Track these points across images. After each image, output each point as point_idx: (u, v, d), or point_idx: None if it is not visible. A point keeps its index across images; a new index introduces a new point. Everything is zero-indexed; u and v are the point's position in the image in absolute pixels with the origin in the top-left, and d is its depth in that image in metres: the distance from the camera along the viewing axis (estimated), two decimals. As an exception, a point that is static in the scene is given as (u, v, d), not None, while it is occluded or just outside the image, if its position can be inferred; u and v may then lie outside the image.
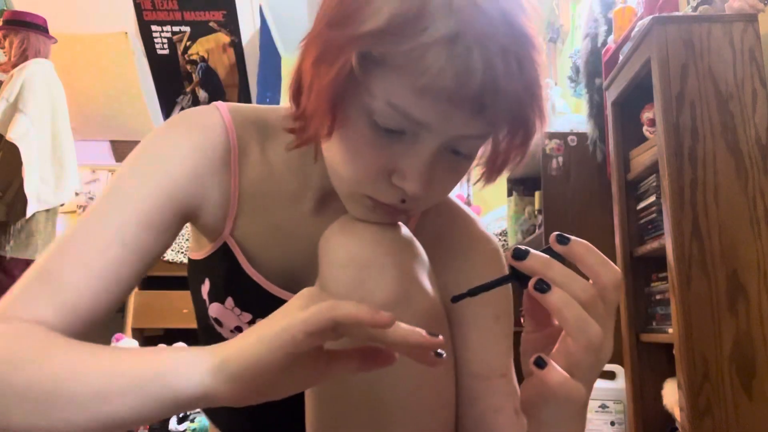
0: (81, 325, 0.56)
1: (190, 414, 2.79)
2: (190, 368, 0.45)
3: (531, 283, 0.45)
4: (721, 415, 1.31)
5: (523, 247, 0.46)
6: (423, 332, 0.44)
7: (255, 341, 0.44)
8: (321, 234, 0.66)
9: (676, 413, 1.48)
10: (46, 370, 0.48)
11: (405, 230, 0.63)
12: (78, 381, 0.47)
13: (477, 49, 0.48)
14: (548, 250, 0.47)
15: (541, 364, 0.45)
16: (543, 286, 0.44)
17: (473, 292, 0.49)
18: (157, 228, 0.61)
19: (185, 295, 3.15)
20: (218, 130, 0.66)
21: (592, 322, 0.44)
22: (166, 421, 2.79)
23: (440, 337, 0.44)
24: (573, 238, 0.47)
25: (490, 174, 0.60)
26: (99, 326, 0.59)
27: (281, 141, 0.67)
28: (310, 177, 0.67)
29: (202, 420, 2.70)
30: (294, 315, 0.44)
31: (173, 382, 0.45)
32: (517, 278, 0.48)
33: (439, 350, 0.45)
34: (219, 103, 0.69)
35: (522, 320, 0.76)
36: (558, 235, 0.47)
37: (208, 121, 0.66)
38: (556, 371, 0.45)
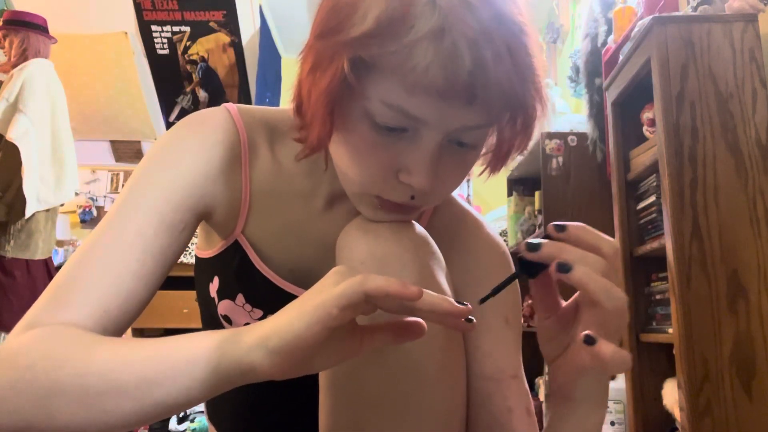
0: (113, 328, 0.57)
1: (190, 414, 2.79)
2: (233, 346, 0.47)
3: (552, 266, 0.48)
4: (721, 415, 1.31)
5: (534, 240, 0.49)
6: (452, 300, 0.47)
7: (292, 318, 0.45)
8: (331, 232, 0.67)
9: (676, 413, 1.48)
10: (91, 363, 0.49)
11: (421, 229, 0.64)
12: (125, 370, 0.48)
13: (463, 42, 0.48)
14: (547, 238, 0.51)
15: (590, 341, 0.48)
16: (565, 266, 0.47)
17: (495, 291, 0.52)
18: (175, 227, 0.62)
19: (185, 295, 3.18)
20: (229, 129, 0.67)
21: (616, 287, 0.48)
22: (166, 421, 2.79)
23: (468, 305, 0.47)
24: (568, 223, 0.50)
25: (496, 163, 0.61)
26: (127, 329, 0.60)
27: (290, 142, 0.68)
28: (320, 178, 0.68)
29: (202, 420, 2.70)
30: (328, 291, 0.45)
31: (219, 359, 0.47)
32: (527, 271, 0.51)
33: (469, 316, 0.48)
34: (228, 105, 0.70)
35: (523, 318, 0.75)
36: (554, 225, 0.50)
37: (219, 121, 0.67)
38: (607, 343, 0.48)
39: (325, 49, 0.53)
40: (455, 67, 0.49)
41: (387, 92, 0.52)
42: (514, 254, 0.62)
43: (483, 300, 0.52)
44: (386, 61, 0.50)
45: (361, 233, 0.61)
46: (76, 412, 0.47)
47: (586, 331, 0.49)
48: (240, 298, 0.71)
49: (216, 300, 0.73)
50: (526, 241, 0.50)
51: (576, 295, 0.54)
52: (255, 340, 0.46)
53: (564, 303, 0.55)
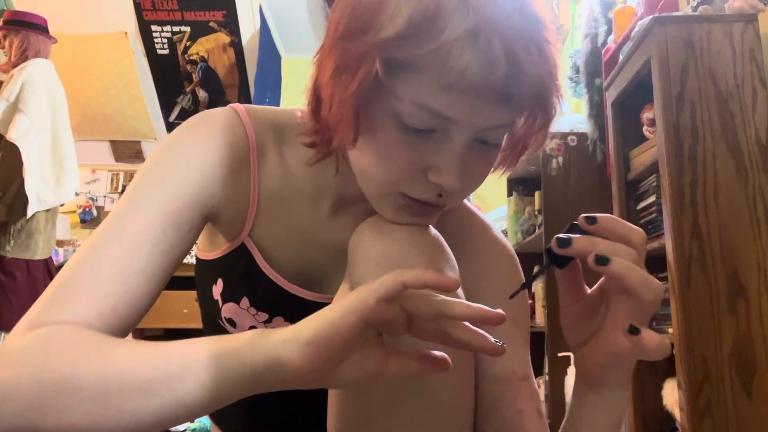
0: (120, 327, 0.56)
1: (190, 414, 2.78)
2: (262, 340, 0.46)
3: (590, 259, 0.49)
4: (721, 415, 1.31)
5: (563, 235, 0.50)
6: (485, 307, 0.46)
7: (327, 311, 0.45)
8: (338, 236, 0.67)
9: (676, 413, 1.48)
10: (109, 361, 0.47)
11: (435, 232, 0.64)
12: (144, 366, 0.46)
13: (497, 40, 0.49)
14: (573, 227, 0.52)
15: (635, 331, 0.49)
16: (604, 259, 0.48)
17: (525, 285, 0.54)
18: (182, 227, 0.61)
19: (185, 295, 3.19)
20: (238, 130, 0.66)
21: (652, 277, 0.48)
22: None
23: (502, 312, 0.46)
24: (598, 215, 0.51)
25: (511, 161, 0.62)
26: (132, 329, 0.58)
27: (298, 145, 0.66)
28: (327, 182, 0.68)
29: (202, 420, 2.70)
30: (362, 288, 0.45)
31: (245, 354, 0.45)
32: (556, 263, 0.53)
33: (499, 341, 0.47)
34: (236, 105, 0.69)
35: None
36: (585, 217, 0.51)
37: (228, 122, 0.66)
38: (650, 333, 0.49)
39: (351, 50, 0.52)
40: (492, 67, 0.49)
41: (420, 93, 0.51)
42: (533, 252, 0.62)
43: (513, 295, 0.53)
44: (421, 62, 0.50)
45: (376, 234, 0.60)
46: (91, 411, 0.46)
47: (628, 322, 0.50)
48: (245, 301, 0.70)
49: (220, 303, 0.72)
50: (556, 236, 0.51)
51: (601, 281, 0.54)
52: (286, 335, 0.45)
53: (588, 290, 0.56)
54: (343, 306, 0.44)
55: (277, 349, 0.45)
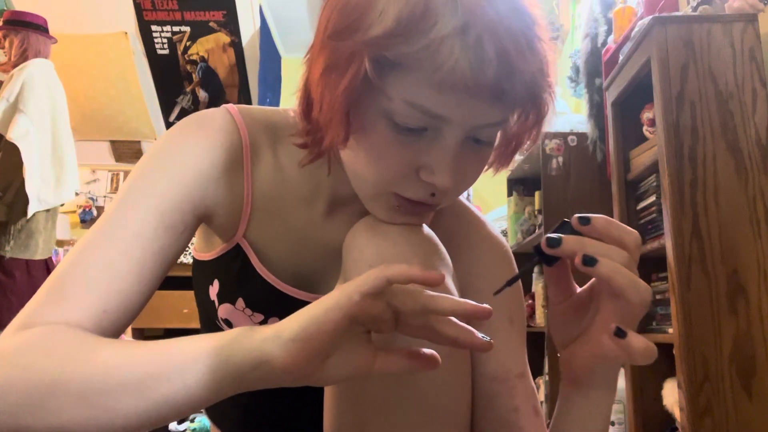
0: (111, 328, 0.56)
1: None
2: (247, 338, 0.46)
3: (577, 260, 0.48)
4: (721, 415, 1.31)
5: (554, 235, 0.49)
6: (472, 302, 0.45)
7: (311, 307, 0.45)
8: (333, 236, 0.67)
9: (676, 413, 1.49)
10: (95, 361, 0.47)
11: (428, 231, 0.63)
12: (131, 367, 0.46)
13: (487, 37, 0.49)
14: (564, 225, 0.51)
15: (622, 334, 0.48)
16: (591, 260, 0.47)
17: (510, 282, 0.53)
18: (176, 228, 0.60)
19: (185, 295, 3.19)
20: (232, 131, 0.66)
21: (640, 280, 0.48)
22: (166, 421, 2.78)
23: (488, 306, 0.46)
24: (591, 216, 0.50)
25: (505, 158, 0.61)
26: (125, 330, 0.58)
27: (291, 145, 0.66)
28: (321, 183, 0.67)
29: (202, 420, 2.70)
30: (349, 284, 0.44)
31: (231, 352, 0.45)
32: (545, 260, 0.52)
33: (487, 338, 0.47)
34: (229, 106, 0.69)
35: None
36: (578, 217, 0.50)
37: (221, 123, 0.66)
38: (637, 336, 0.48)
39: (341, 49, 0.52)
40: (482, 63, 0.49)
41: (411, 91, 0.51)
42: (516, 248, 0.61)
43: (497, 292, 0.52)
44: (411, 59, 0.50)
45: (370, 235, 0.60)
46: (78, 411, 0.46)
47: (615, 324, 0.49)
48: (240, 302, 0.70)
49: (216, 303, 0.72)
50: (546, 236, 0.50)
51: (591, 282, 0.54)
52: (270, 332, 0.45)
53: (578, 289, 0.55)
54: (327, 302, 0.44)
55: (262, 347, 0.44)
